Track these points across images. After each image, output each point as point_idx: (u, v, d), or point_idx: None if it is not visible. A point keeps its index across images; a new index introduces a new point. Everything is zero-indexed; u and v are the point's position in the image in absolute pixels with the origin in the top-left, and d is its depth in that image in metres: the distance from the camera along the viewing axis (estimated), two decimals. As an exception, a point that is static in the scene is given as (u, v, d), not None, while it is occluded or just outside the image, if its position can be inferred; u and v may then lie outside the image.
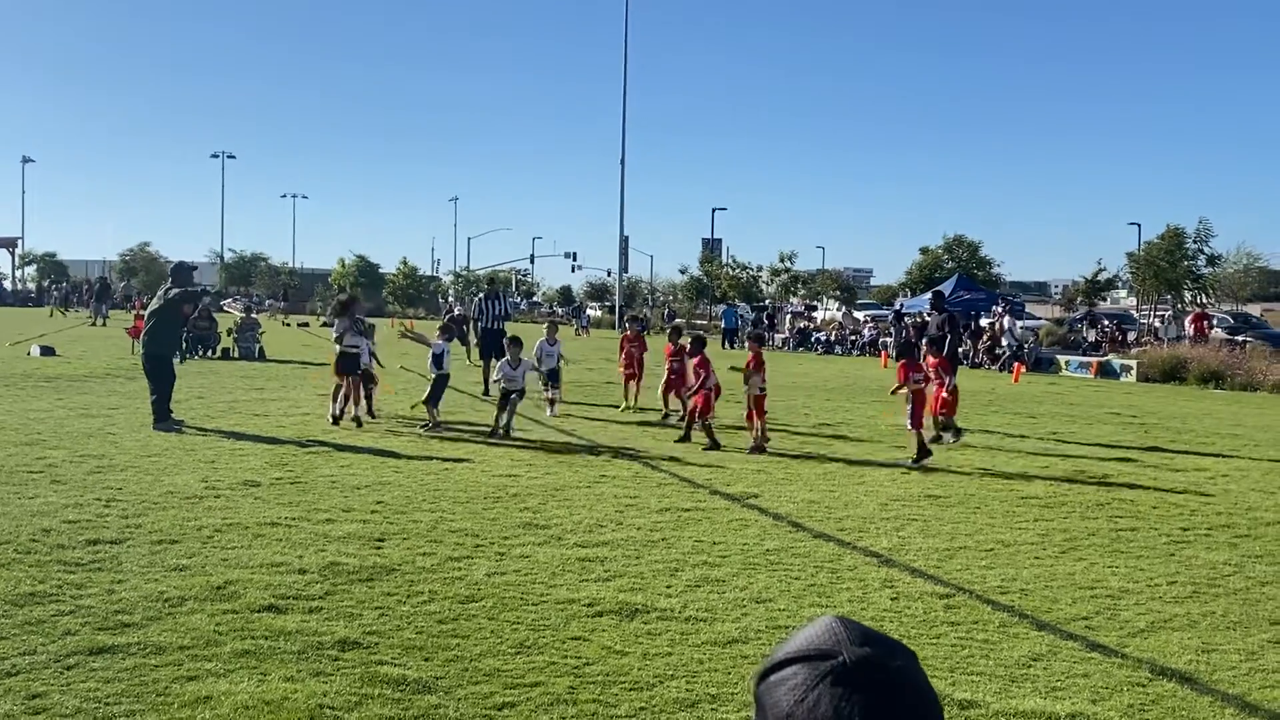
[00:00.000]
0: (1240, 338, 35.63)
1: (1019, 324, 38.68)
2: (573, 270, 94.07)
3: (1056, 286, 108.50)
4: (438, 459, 12.38)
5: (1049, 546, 8.94)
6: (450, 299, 77.75)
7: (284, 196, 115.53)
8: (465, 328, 28.01)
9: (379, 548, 8.07)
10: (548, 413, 17.15)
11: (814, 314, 61.34)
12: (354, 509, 9.43)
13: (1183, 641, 6.43)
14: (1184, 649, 6.29)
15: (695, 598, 7.03)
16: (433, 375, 15.49)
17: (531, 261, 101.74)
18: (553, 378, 17.92)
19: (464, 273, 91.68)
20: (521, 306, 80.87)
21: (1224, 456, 14.79)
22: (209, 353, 29.29)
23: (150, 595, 6.64)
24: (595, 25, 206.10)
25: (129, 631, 5.95)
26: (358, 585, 7.04)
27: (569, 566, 7.69)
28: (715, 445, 13.97)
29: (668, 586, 7.26)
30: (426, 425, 14.85)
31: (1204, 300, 40.67)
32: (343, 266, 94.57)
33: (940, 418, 15.68)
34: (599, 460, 12.71)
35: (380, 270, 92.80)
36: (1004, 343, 36.44)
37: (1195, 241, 37.38)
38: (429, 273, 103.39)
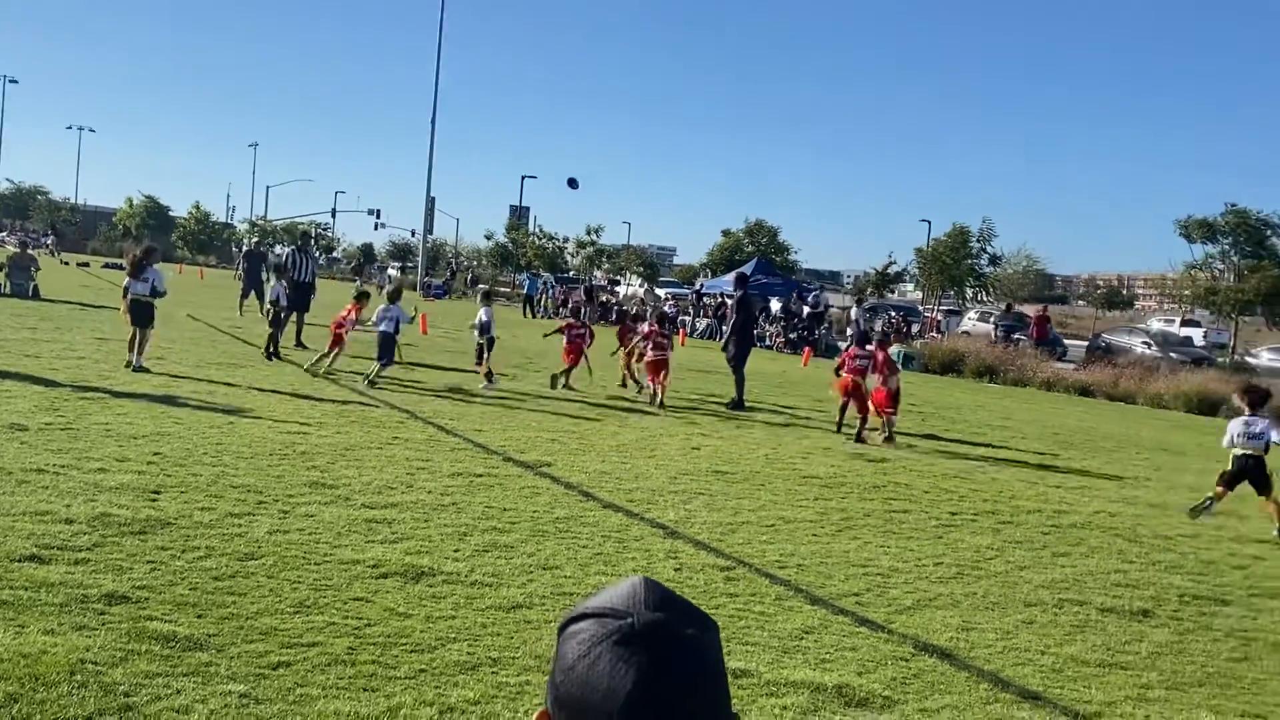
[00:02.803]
0: (1015, 336, 37.77)
1: (869, 318, 39.73)
2: (375, 228, 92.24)
3: (849, 276, 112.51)
4: (223, 410, 11.94)
5: (826, 525, 9.30)
6: (245, 246, 74.81)
7: (70, 128, 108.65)
8: (267, 273, 27.11)
9: (154, 500, 7.74)
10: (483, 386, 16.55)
11: (617, 289, 61.85)
12: (129, 459, 9.01)
13: (945, 619, 6.80)
14: (946, 626, 6.65)
15: (482, 562, 7.01)
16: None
17: (333, 216, 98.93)
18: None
19: (260, 222, 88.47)
20: (321, 262, 78.62)
21: (993, 446, 15.67)
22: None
23: (-105, 541, 6.19)
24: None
25: None
26: (129, 538, 6.74)
27: (355, 527, 7.55)
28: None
29: (455, 550, 7.22)
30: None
31: (984, 297, 43.05)
32: (130, 206, 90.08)
33: (885, 414, 15.32)
34: (393, 422, 12.51)
35: (171, 213, 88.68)
36: (849, 333, 37.26)
37: (979, 241, 39.48)
38: (223, 219, 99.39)
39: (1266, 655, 6.67)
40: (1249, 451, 10.73)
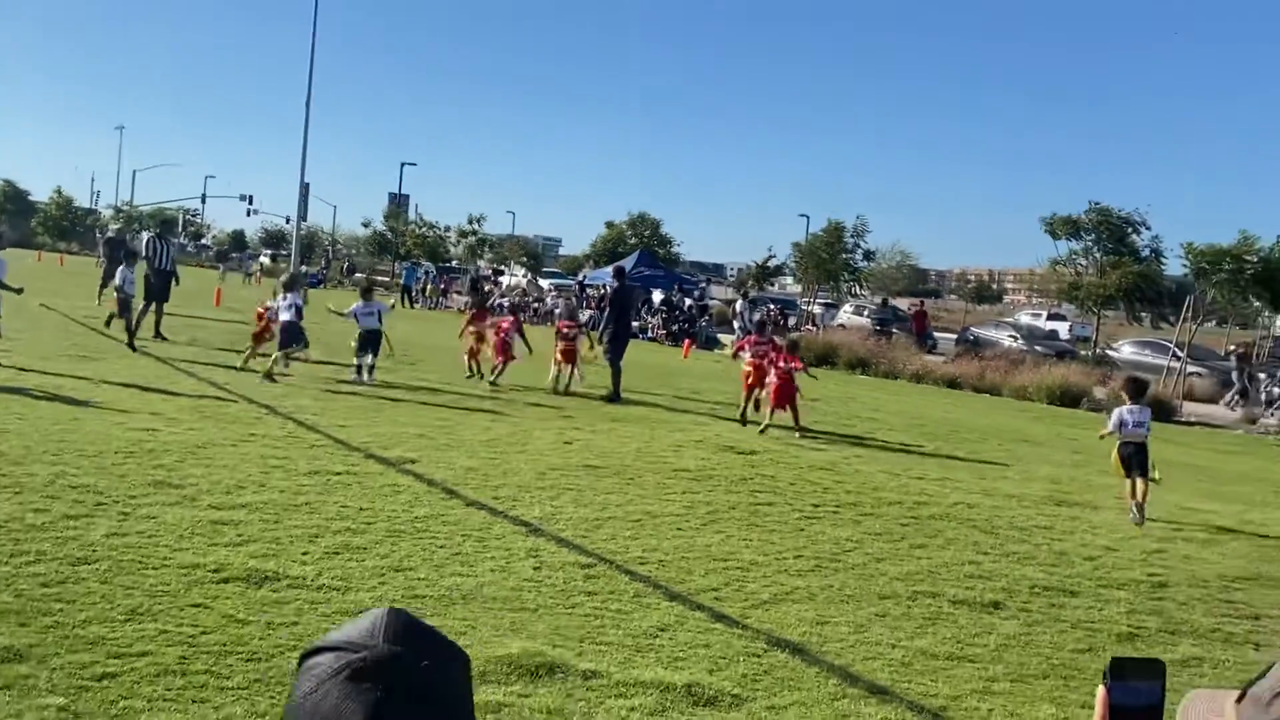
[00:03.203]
0: (892, 330, 38.53)
1: (752, 310, 39.94)
2: (248, 214, 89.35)
3: (732, 269, 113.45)
4: (69, 404, 11.45)
5: (692, 519, 9.29)
6: (107, 233, 72.45)
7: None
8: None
9: (-16, 502, 7.35)
10: (366, 378, 16.25)
11: (501, 279, 61.44)
12: (-39, 458, 8.56)
13: (800, 614, 6.82)
14: (800, 621, 6.67)
15: (332, 565, 6.80)
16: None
17: (203, 201, 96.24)
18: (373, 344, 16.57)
19: (125, 207, 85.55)
20: (189, 249, 76.38)
21: (860, 438, 15.89)
22: None
23: None
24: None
25: None
26: (-48, 544, 6.37)
27: (199, 529, 7.26)
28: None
29: (304, 553, 6.99)
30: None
31: (857, 291, 43.89)
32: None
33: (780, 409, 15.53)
34: (249, 417, 12.14)
35: (30, 198, 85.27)
36: (735, 326, 37.51)
37: (853, 236, 40.20)
38: (87, 205, 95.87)
39: (1110, 646, 6.84)
40: (1133, 439, 11.37)
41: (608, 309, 18.40)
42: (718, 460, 12.54)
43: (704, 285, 50.99)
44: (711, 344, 37.07)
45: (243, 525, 7.47)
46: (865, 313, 45.84)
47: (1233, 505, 12.83)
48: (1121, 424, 11.49)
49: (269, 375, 15.46)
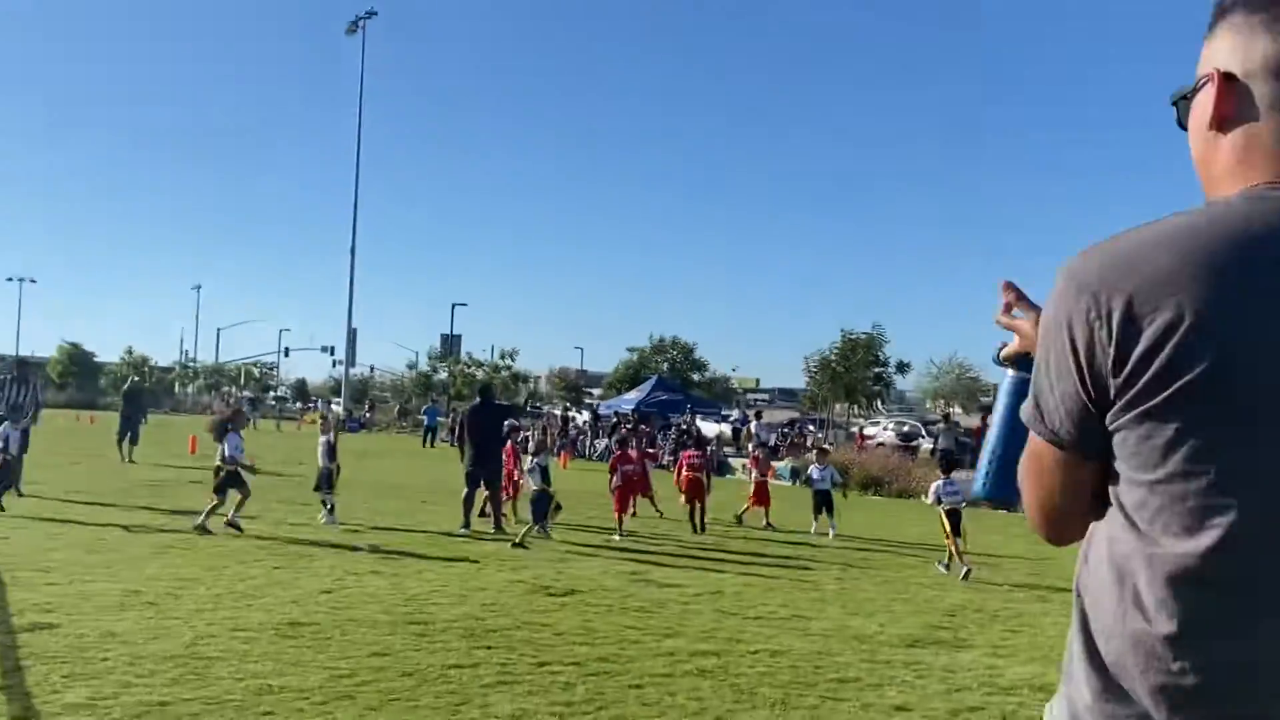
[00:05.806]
0: (915, 442, 35.61)
1: (764, 428, 37.95)
2: (334, 365, 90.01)
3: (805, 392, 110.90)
4: None
5: (322, 693, 6.92)
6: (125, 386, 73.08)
7: (10, 280, 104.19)
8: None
9: None
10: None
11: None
12: None
13: None
14: None
15: None
16: None
17: (286, 354, 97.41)
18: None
19: (190, 363, 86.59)
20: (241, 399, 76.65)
21: (774, 563, 13.33)
22: None
23: None
24: (333, 114, 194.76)
25: None
26: None
27: None
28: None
29: None
30: None
31: (880, 405, 41.03)
32: (60, 355, 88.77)
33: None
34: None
35: (96, 359, 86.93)
36: (750, 446, 35.57)
37: (869, 348, 37.40)
38: (164, 364, 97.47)
39: None
40: (950, 506, 13.55)
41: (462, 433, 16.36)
42: (509, 605, 10.18)
43: (748, 409, 48.76)
44: (722, 469, 34.57)
45: None
46: (905, 428, 42.99)
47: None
48: (938, 495, 13.82)
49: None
